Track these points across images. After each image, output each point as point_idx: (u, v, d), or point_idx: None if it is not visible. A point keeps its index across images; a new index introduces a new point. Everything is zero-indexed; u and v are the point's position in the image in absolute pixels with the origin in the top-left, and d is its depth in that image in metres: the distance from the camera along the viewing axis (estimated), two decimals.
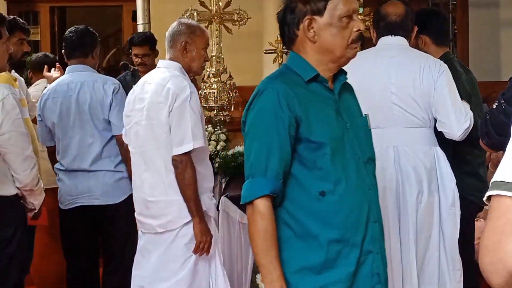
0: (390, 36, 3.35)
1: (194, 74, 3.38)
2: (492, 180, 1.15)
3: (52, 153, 4.05)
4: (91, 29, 4.03)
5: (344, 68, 3.27)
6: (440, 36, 3.87)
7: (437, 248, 3.23)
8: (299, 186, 2.14)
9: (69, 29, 4.02)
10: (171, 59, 3.38)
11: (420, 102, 3.27)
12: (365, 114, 2.33)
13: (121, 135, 3.69)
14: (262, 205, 2.07)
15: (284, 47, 6.25)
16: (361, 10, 6.44)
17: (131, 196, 3.79)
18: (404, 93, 3.27)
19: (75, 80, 3.87)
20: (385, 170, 3.16)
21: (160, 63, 3.43)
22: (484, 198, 1.16)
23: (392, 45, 3.35)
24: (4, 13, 9.15)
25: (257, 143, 2.12)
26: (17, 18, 3.92)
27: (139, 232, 3.44)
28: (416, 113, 3.27)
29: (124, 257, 3.66)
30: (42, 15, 9.37)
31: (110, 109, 3.80)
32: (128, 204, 3.79)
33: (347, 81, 2.36)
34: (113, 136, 3.83)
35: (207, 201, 3.32)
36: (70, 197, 3.90)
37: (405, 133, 3.26)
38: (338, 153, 2.11)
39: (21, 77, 4.15)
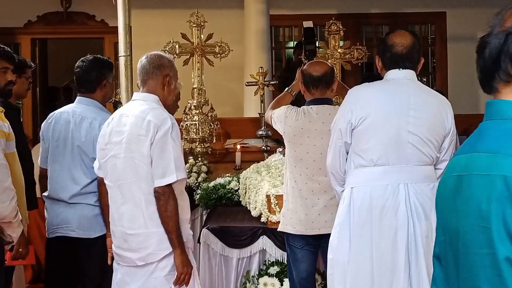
0: (398, 69, 3.29)
1: (167, 108, 3.36)
2: None
3: (42, 176, 4.06)
4: (99, 60, 4.02)
5: (352, 99, 3.26)
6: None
7: None
8: None
9: (77, 63, 4.01)
10: (148, 91, 3.37)
11: (435, 143, 3.26)
12: None
13: None
14: None
15: (265, 80, 6.31)
16: (341, 43, 6.52)
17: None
18: (421, 133, 3.23)
19: (78, 112, 3.91)
20: (397, 209, 3.15)
21: (136, 95, 3.42)
22: None
23: (401, 79, 3.29)
24: None
25: None
26: (2, 46, 3.92)
27: (115, 265, 3.40)
28: (428, 152, 3.25)
29: None
30: (23, 47, 9.35)
31: None
32: (104, 242, 3.78)
33: None
34: None
35: (186, 232, 3.30)
36: (52, 227, 3.90)
37: (415, 171, 3.23)
38: None
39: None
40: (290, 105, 4.01)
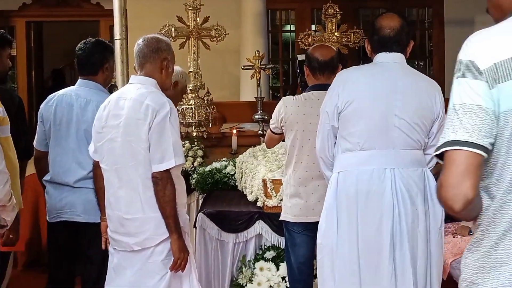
0: (385, 52, 3.25)
1: (164, 91, 3.34)
2: (443, 140, 1.64)
3: (39, 158, 4.00)
4: (102, 43, 3.97)
5: (339, 83, 3.25)
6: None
7: (427, 269, 3.21)
8: None
9: (78, 45, 3.97)
10: (146, 74, 3.35)
11: (423, 127, 3.22)
12: None
13: None
14: None
15: (261, 64, 6.28)
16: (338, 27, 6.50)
17: None
18: (408, 117, 3.20)
19: (82, 95, 3.84)
20: (382, 193, 3.14)
21: (133, 78, 3.39)
22: (438, 152, 1.65)
23: (389, 63, 3.26)
24: None
25: None
26: (4, 32, 3.87)
27: (110, 249, 3.39)
28: (416, 137, 3.22)
29: (100, 280, 3.60)
30: (18, 30, 9.31)
31: None
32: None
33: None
34: None
35: (183, 217, 3.30)
36: (55, 211, 3.85)
37: (401, 155, 3.20)
38: None
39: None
40: (284, 97, 4.00)
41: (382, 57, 3.26)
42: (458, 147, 1.61)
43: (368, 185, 3.16)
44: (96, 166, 3.45)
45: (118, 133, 3.25)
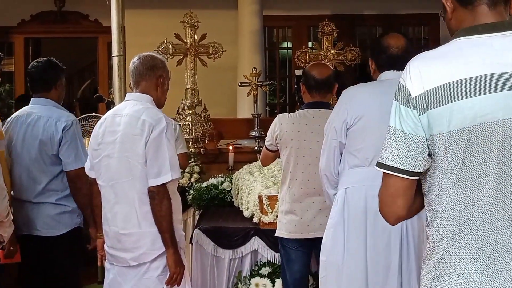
0: (392, 70, 3.27)
1: (159, 108, 3.38)
2: (379, 160, 1.80)
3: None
4: (53, 61, 4.02)
5: (346, 99, 3.26)
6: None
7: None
8: None
9: (31, 63, 4.05)
10: (142, 92, 3.37)
11: None
12: None
13: (72, 171, 3.77)
14: None
15: (258, 80, 6.32)
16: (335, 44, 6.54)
17: (74, 231, 3.83)
18: None
19: (33, 113, 3.90)
20: None
21: (129, 96, 3.42)
22: (378, 168, 1.81)
23: (395, 80, 3.29)
24: None
25: None
26: None
27: (107, 265, 3.40)
28: None
29: None
30: (16, 46, 9.35)
31: (59, 146, 3.81)
32: (70, 239, 3.80)
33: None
34: (62, 171, 3.84)
35: (179, 233, 3.31)
36: (18, 226, 3.78)
37: None
38: None
39: None
40: (280, 114, 4.02)
41: (389, 75, 3.28)
42: (385, 170, 1.78)
43: (377, 201, 3.17)
44: (92, 183, 3.47)
45: (115, 149, 3.27)
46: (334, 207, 3.30)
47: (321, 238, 3.42)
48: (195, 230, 4.29)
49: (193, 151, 5.81)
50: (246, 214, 4.43)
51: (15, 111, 4.17)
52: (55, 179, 3.82)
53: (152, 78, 3.36)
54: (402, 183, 1.75)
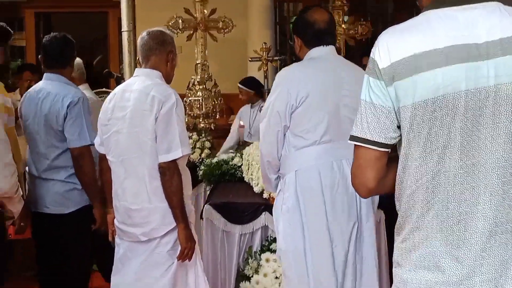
0: (322, 46, 3.27)
1: (168, 83, 3.38)
2: (351, 133, 1.82)
3: None
4: (69, 38, 4.00)
5: (284, 81, 3.23)
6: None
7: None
8: None
9: (47, 38, 4.00)
10: (151, 67, 3.37)
11: None
12: None
13: (75, 148, 3.72)
14: None
15: (269, 55, 6.29)
16: (346, 18, 6.49)
17: (83, 208, 3.80)
18: (355, 105, 3.25)
19: (44, 89, 3.88)
20: (346, 184, 3.19)
21: (138, 71, 3.42)
22: (350, 141, 1.83)
23: (328, 55, 3.28)
24: None
25: None
26: (3, 25, 3.90)
27: (117, 240, 3.43)
28: None
29: (80, 272, 3.61)
30: (27, 21, 9.36)
31: (64, 122, 3.78)
32: (80, 217, 3.78)
33: None
34: (68, 148, 3.81)
35: (188, 208, 3.33)
36: (31, 202, 3.86)
37: (351, 146, 3.27)
38: None
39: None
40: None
41: (319, 51, 3.27)
42: (355, 142, 1.81)
43: (332, 178, 3.19)
44: (101, 159, 3.48)
45: (124, 124, 3.27)
46: (284, 193, 3.25)
47: None
48: (205, 205, 4.30)
49: (203, 126, 5.81)
50: (256, 189, 4.44)
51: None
52: (63, 155, 3.80)
53: (163, 53, 3.35)
54: (371, 154, 1.78)
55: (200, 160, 5.33)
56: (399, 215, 1.81)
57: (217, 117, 5.94)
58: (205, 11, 5.91)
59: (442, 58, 1.66)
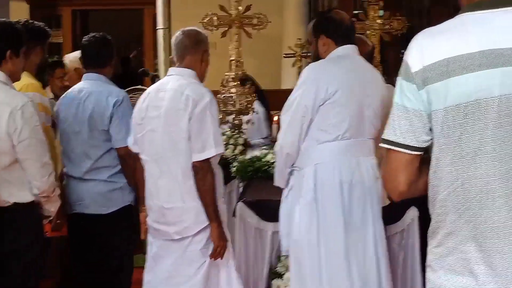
0: (349, 44, 3.32)
1: (201, 82, 3.39)
2: (383, 136, 1.79)
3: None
4: (107, 37, 4.01)
5: (313, 75, 3.24)
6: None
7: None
8: None
9: (86, 38, 4.01)
10: (186, 66, 3.37)
11: (382, 117, 3.29)
12: None
13: (122, 148, 3.71)
14: None
15: (303, 51, 6.27)
16: (381, 13, 6.42)
17: (124, 208, 3.82)
18: (376, 107, 3.30)
19: (85, 89, 3.87)
20: (363, 182, 3.25)
21: (172, 70, 3.43)
22: (382, 145, 1.80)
23: (354, 54, 3.35)
24: (27, 17, 9.27)
25: None
26: (42, 25, 3.95)
27: (150, 238, 3.45)
28: (376, 126, 3.31)
29: (122, 271, 3.63)
30: (64, 18, 9.48)
31: (110, 122, 3.78)
32: (121, 217, 3.80)
33: None
34: (112, 147, 3.81)
35: (220, 207, 3.34)
36: (69, 203, 3.88)
37: (367, 145, 3.32)
38: None
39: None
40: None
41: (347, 49, 3.32)
42: (388, 146, 1.79)
43: (350, 175, 3.22)
44: (135, 158, 3.51)
45: (159, 123, 3.29)
46: (303, 185, 3.26)
47: None
48: (238, 203, 4.31)
49: (237, 123, 5.80)
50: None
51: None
52: (107, 154, 3.81)
53: (198, 53, 3.37)
54: (403, 158, 1.77)
55: (234, 156, 5.34)
56: (432, 219, 1.78)
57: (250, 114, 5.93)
58: (240, 7, 5.91)
59: (475, 62, 1.63)
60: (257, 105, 5.71)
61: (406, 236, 4.00)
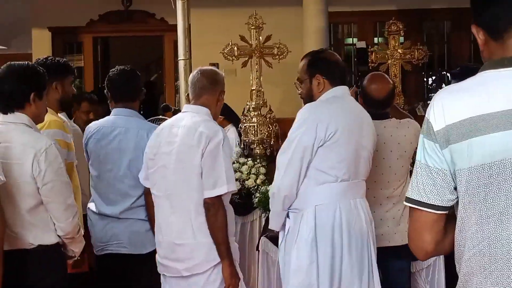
0: (343, 85, 3.36)
1: (214, 120, 3.42)
2: (407, 195, 1.78)
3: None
4: (135, 70, 3.93)
5: (313, 116, 3.20)
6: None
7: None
8: None
9: (114, 71, 3.90)
10: (202, 104, 3.38)
11: (371, 157, 3.36)
12: None
13: None
14: None
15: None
16: (401, 39, 6.42)
17: None
18: (370, 148, 3.34)
19: (120, 125, 3.77)
20: (361, 223, 3.24)
21: (187, 107, 3.44)
22: (406, 203, 1.79)
23: (347, 95, 3.39)
24: (49, 44, 9.35)
25: None
26: (66, 60, 3.95)
27: (162, 277, 3.42)
28: (369, 168, 3.35)
29: None
30: (85, 44, 9.58)
31: None
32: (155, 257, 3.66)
33: None
34: None
35: (233, 245, 3.32)
36: (100, 244, 3.80)
37: (361, 186, 3.33)
38: None
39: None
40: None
41: (341, 90, 3.33)
42: (412, 205, 1.76)
43: (350, 216, 3.21)
44: (147, 193, 3.50)
45: (171, 159, 3.30)
46: (302, 227, 3.21)
47: (383, 248, 3.50)
48: (261, 237, 4.30)
49: (258, 152, 5.81)
50: None
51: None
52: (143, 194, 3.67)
53: (215, 93, 3.41)
54: (428, 218, 1.74)
55: (255, 186, 5.32)
56: (459, 278, 1.75)
57: (271, 143, 5.94)
58: (260, 37, 5.93)
59: (499, 122, 1.61)
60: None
61: (433, 272, 3.98)
